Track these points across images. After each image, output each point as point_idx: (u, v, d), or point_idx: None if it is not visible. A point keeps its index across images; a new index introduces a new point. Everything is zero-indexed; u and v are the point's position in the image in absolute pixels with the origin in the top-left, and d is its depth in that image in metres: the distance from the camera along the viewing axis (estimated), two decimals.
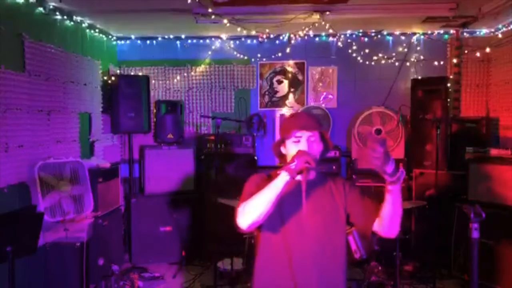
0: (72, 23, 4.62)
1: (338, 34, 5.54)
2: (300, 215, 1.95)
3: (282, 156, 2.10)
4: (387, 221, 2.04)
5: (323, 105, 5.65)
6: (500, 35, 5.10)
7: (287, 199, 1.94)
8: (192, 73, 5.86)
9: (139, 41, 5.84)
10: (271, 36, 5.53)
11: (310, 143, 1.97)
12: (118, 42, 5.86)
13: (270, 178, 1.96)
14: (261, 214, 1.82)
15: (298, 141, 1.97)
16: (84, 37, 4.96)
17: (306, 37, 5.60)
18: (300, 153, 1.87)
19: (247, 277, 4.26)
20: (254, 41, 5.72)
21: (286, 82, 5.88)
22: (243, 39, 5.73)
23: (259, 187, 1.89)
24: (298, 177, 1.88)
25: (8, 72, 3.48)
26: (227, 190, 4.10)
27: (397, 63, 5.70)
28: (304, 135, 1.97)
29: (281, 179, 1.82)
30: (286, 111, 5.87)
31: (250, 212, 1.83)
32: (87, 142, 4.91)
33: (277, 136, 5.84)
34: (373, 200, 2.05)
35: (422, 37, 5.65)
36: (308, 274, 1.93)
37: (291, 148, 2.00)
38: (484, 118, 5.13)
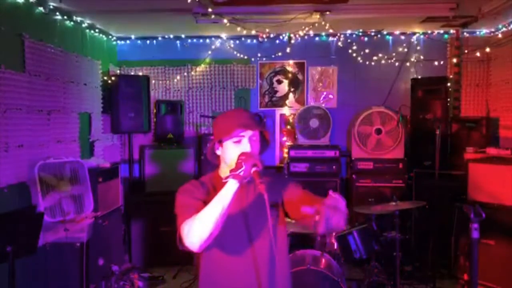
0: (72, 23, 4.62)
1: (338, 34, 5.54)
2: (266, 227, 1.74)
3: (216, 158, 1.90)
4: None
5: (323, 105, 5.65)
6: (500, 35, 5.10)
7: (251, 211, 1.81)
8: (192, 73, 5.86)
9: (139, 41, 5.83)
10: (271, 36, 5.53)
11: (252, 142, 1.78)
12: (118, 42, 5.86)
13: (204, 185, 1.81)
14: (214, 229, 1.60)
15: (239, 141, 1.76)
16: (84, 37, 4.96)
17: (306, 37, 5.61)
18: (245, 155, 1.69)
19: None
20: (254, 40, 5.72)
21: (286, 82, 5.88)
22: (243, 38, 5.73)
23: (197, 198, 1.74)
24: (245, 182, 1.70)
25: (8, 72, 3.48)
26: None
27: (397, 63, 5.70)
28: (246, 134, 1.77)
29: (231, 188, 1.63)
30: (286, 111, 5.87)
31: (201, 228, 1.59)
32: (87, 142, 4.91)
33: (277, 136, 5.85)
34: (308, 193, 1.87)
35: (422, 37, 5.65)
36: (256, 282, 1.80)
37: (230, 149, 1.78)
38: (484, 118, 5.13)
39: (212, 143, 1.86)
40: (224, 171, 1.86)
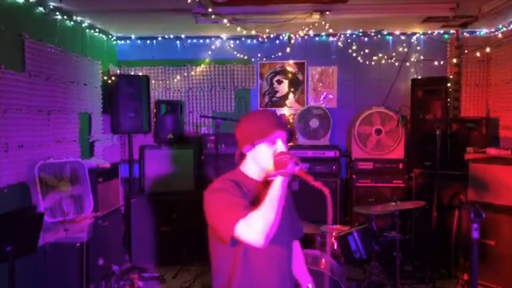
0: (72, 23, 4.62)
1: (338, 34, 5.54)
2: (290, 223, 1.92)
3: (242, 158, 1.92)
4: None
5: (323, 105, 5.65)
6: (500, 35, 5.10)
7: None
8: (192, 73, 5.86)
9: (139, 41, 5.84)
10: (271, 36, 5.53)
11: (284, 143, 1.85)
12: (118, 42, 5.86)
13: (237, 184, 1.81)
14: (275, 223, 1.66)
15: (274, 142, 1.82)
16: (84, 37, 4.97)
17: (306, 37, 5.61)
18: (286, 154, 1.77)
19: None
20: (254, 41, 5.72)
21: (286, 82, 5.88)
22: (243, 39, 5.73)
23: (240, 196, 1.75)
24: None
25: (8, 72, 3.48)
26: None
27: (397, 63, 5.70)
28: (281, 135, 1.84)
29: (281, 184, 1.71)
30: (286, 111, 5.87)
31: (264, 225, 1.63)
32: (87, 142, 4.91)
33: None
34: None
35: (422, 37, 5.65)
36: (287, 278, 1.94)
37: (264, 150, 1.82)
38: (484, 118, 5.13)
39: (243, 145, 1.87)
40: (252, 170, 1.90)
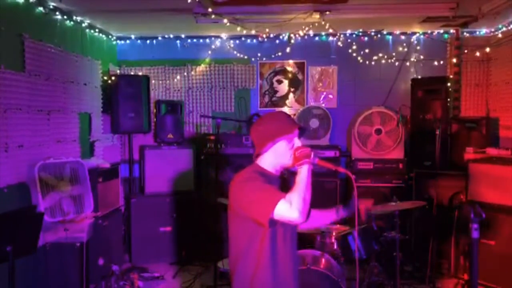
0: (72, 23, 4.62)
1: (338, 34, 5.54)
2: None
3: (258, 154, 2.10)
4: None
5: (323, 105, 5.65)
6: (500, 35, 5.10)
7: None
8: (192, 73, 5.86)
9: (139, 41, 5.83)
10: (271, 35, 5.53)
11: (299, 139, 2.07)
12: (118, 42, 5.86)
13: (262, 175, 1.99)
14: (309, 203, 1.87)
15: (292, 139, 2.04)
16: (84, 37, 4.96)
17: (306, 37, 5.61)
18: (305, 148, 1.97)
19: None
20: (254, 40, 5.72)
21: (286, 82, 5.88)
22: (243, 38, 5.73)
23: (269, 183, 1.95)
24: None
25: (8, 72, 3.48)
26: (227, 190, 4.10)
27: (397, 63, 5.69)
28: (297, 132, 2.07)
29: (307, 171, 1.92)
30: (286, 111, 5.87)
31: (303, 203, 1.84)
32: (87, 142, 4.91)
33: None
34: None
35: (422, 37, 5.65)
36: (297, 270, 2.16)
37: (284, 145, 2.03)
38: (484, 118, 5.12)
39: (265, 142, 2.05)
40: (270, 164, 2.08)
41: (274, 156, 2.06)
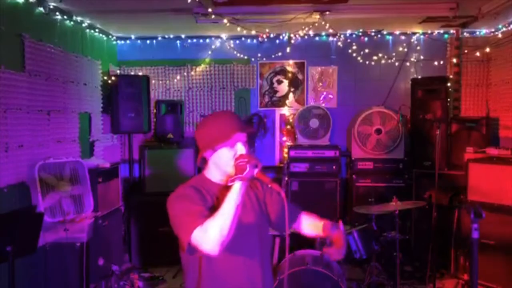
0: (72, 23, 4.62)
1: (338, 34, 5.54)
2: (247, 224, 1.84)
3: (204, 163, 1.90)
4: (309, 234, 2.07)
5: (323, 105, 5.65)
6: (500, 35, 5.10)
7: (248, 210, 1.86)
8: (192, 73, 5.86)
9: (139, 41, 5.83)
10: (271, 36, 5.53)
11: (244, 144, 1.82)
12: (118, 42, 5.86)
13: (198, 190, 1.81)
14: (230, 231, 1.63)
15: (234, 145, 1.79)
16: (84, 37, 4.96)
17: (306, 37, 5.61)
18: (245, 157, 1.73)
19: None
20: (254, 40, 5.72)
21: (286, 82, 5.88)
22: (243, 38, 5.73)
23: (199, 204, 1.74)
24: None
25: (8, 72, 3.48)
26: None
27: (397, 63, 5.70)
28: (241, 137, 1.81)
29: (239, 190, 1.68)
30: (286, 111, 5.87)
31: (220, 233, 1.61)
32: (87, 142, 4.91)
33: (277, 136, 5.85)
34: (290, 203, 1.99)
35: (422, 37, 5.65)
36: (259, 279, 1.88)
37: (224, 153, 1.80)
38: (484, 118, 5.12)
39: (204, 150, 1.84)
40: (215, 175, 1.88)
41: (216, 165, 1.84)
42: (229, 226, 1.62)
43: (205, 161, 1.89)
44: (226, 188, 1.76)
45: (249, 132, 1.87)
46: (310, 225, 2.04)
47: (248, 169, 1.69)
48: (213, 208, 1.72)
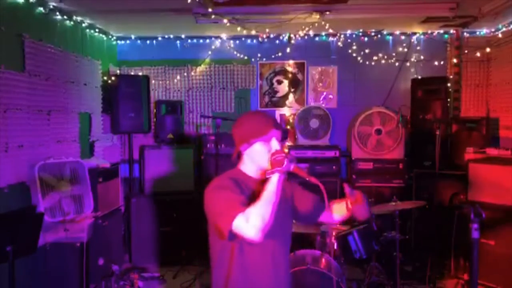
0: (72, 23, 4.62)
1: (338, 34, 5.54)
2: (280, 216, 1.91)
3: (239, 158, 2.02)
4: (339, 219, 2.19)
5: (323, 105, 5.65)
6: (500, 35, 5.10)
7: (283, 205, 1.94)
8: (192, 73, 5.86)
9: (139, 41, 5.83)
10: (271, 36, 5.53)
11: (278, 142, 1.94)
12: (118, 42, 5.86)
13: (236, 182, 1.89)
14: (271, 219, 1.73)
15: (269, 141, 1.91)
16: (84, 37, 4.97)
17: (306, 37, 5.61)
18: (282, 153, 1.85)
19: None
20: (254, 41, 5.72)
21: (286, 82, 5.88)
22: (243, 39, 5.73)
23: (239, 193, 1.83)
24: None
25: (8, 72, 3.48)
26: None
27: (397, 63, 5.70)
28: (276, 134, 1.94)
29: (277, 181, 1.80)
30: (286, 111, 5.87)
31: (261, 220, 1.71)
32: (87, 142, 4.91)
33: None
34: (312, 193, 2.15)
35: (422, 37, 5.65)
36: (282, 273, 1.99)
37: (260, 148, 1.91)
38: (484, 118, 5.13)
39: (240, 144, 1.96)
40: (250, 168, 1.99)
41: (251, 159, 1.96)
42: (269, 215, 1.73)
43: (240, 156, 2.01)
44: (261, 182, 1.88)
45: (283, 130, 1.99)
46: (336, 210, 2.14)
47: (285, 163, 1.81)
48: (249, 199, 1.81)
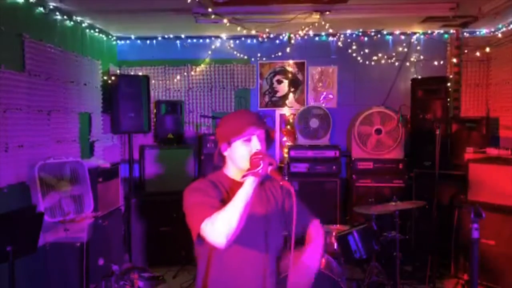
0: (72, 23, 4.62)
1: (338, 34, 5.54)
2: (258, 220, 1.86)
3: (222, 160, 1.93)
4: None
5: (323, 105, 5.65)
6: (500, 35, 5.10)
7: (263, 209, 1.90)
8: (192, 73, 5.86)
9: (139, 41, 5.83)
10: (271, 36, 5.53)
11: (261, 141, 1.82)
12: (118, 42, 5.86)
13: (215, 184, 1.84)
14: (238, 225, 1.63)
15: (249, 140, 1.80)
16: (84, 37, 4.96)
17: (306, 37, 5.60)
18: (260, 154, 1.75)
19: None
20: (254, 40, 5.72)
21: (286, 82, 5.88)
22: (243, 38, 5.73)
23: (212, 196, 1.77)
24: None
25: (8, 72, 3.48)
26: None
27: (397, 63, 5.70)
28: (256, 133, 1.82)
29: (250, 185, 1.68)
30: (286, 111, 5.87)
31: (226, 225, 1.62)
32: (87, 142, 4.91)
33: (277, 136, 5.84)
34: (304, 205, 2.02)
35: (422, 37, 5.65)
36: (263, 281, 1.89)
37: (240, 148, 1.81)
38: (484, 118, 5.12)
39: (220, 144, 1.87)
40: (232, 170, 1.90)
41: (232, 161, 1.87)
42: (237, 221, 1.62)
43: (222, 157, 1.92)
44: (240, 184, 1.75)
45: (266, 129, 1.87)
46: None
47: (261, 165, 1.70)
48: (225, 202, 1.72)
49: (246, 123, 1.80)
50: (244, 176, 1.72)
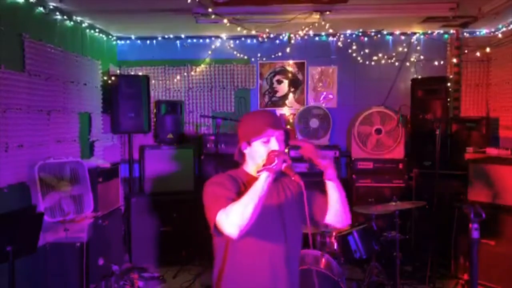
0: (72, 23, 4.62)
1: (338, 34, 5.54)
2: (274, 214, 1.93)
3: (242, 157, 2.03)
4: (338, 211, 2.02)
5: (323, 105, 5.65)
6: (500, 35, 5.10)
7: (280, 205, 1.96)
8: (192, 73, 5.86)
9: (139, 41, 5.83)
10: (271, 36, 5.53)
11: (279, 142, 1.94)
12: (118, 42, 5.86)
13: (234, 179, 1.92)
14: (251, 218, 1.70)
15: (268, 141, 1.92)
16: (84, 37, 4.97)
17: (306, 37, 5.60)
18: (276, 152, 1.84)
19: None
20: (254, 40, 5.72)
21: (286, 82, 5.88)
22: (243, 38, 5.73)
23: (230, 190, 1.85)
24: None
25: (8, 72, 3.48)
26: None
27: (397, 63, 5.70)
28: (274, 134, 1.92)
29: (265, 180, 1.76)
30: (286, 111, 5.87)
31: (240, 217, 1.70)
32: (87, 142, 4.91)
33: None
34: (322, 194, 2.06)
35: (422, 37, 5.65)
36: (282, 274, 1.92)
37: (259, 148, 1.93)
38: (484, 118, 5.13)
39: (241, 142, 1.98)
40: (250, 167, 2.00)
41: (251, 159, 1.97)
42: (250, 213, 1.70)
43: (242, 154, 2.02)
44: (256, 179, 1.83)
45: (284, 130, 1.97)
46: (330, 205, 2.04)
47: (276, 161, 1.79)
48: (241, 195, 1.79)
49: (264, 124, 1.92)
50: (259, 171, 1.82)
